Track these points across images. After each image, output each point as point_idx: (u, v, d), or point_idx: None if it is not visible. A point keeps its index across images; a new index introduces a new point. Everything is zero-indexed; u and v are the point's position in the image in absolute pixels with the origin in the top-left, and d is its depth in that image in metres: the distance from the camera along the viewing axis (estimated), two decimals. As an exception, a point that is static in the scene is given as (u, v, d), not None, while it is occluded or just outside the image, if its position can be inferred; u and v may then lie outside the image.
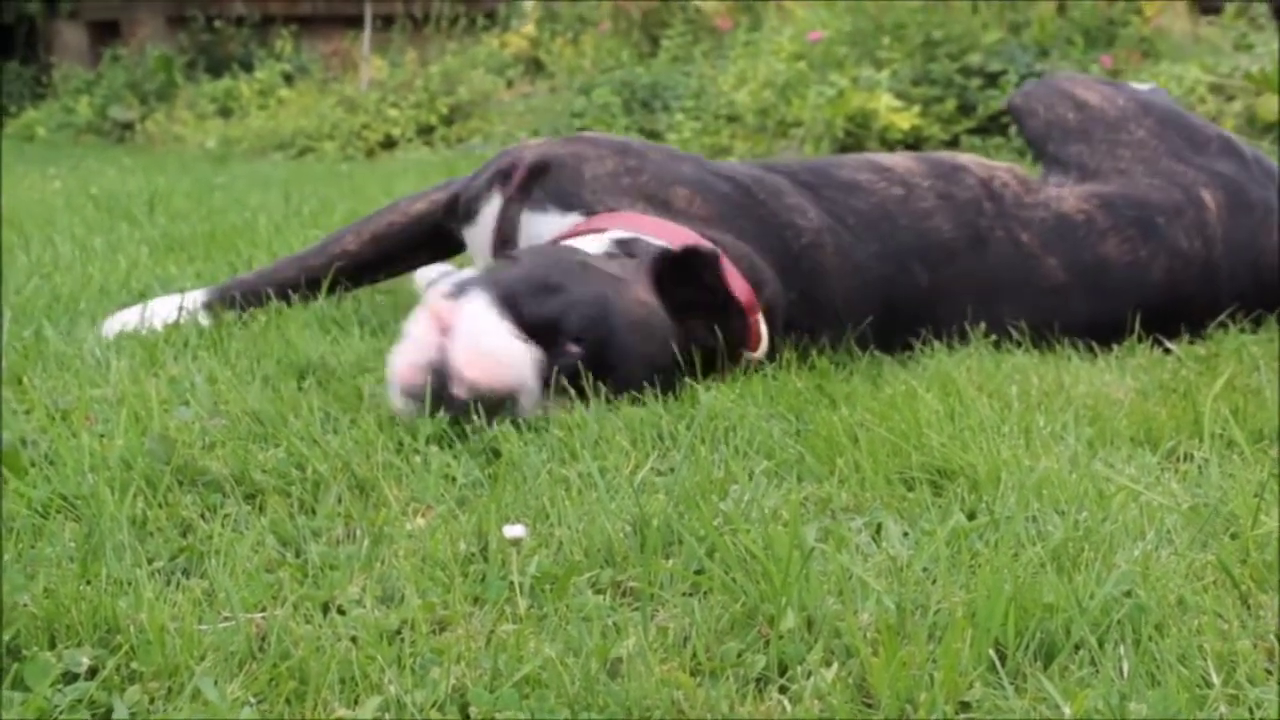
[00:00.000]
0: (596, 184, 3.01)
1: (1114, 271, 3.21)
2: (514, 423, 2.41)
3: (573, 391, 2.49)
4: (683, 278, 2.67)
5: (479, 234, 3.18)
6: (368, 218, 3.45)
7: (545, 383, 2.47)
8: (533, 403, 2.45)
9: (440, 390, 2.39)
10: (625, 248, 2.78)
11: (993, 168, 3.35)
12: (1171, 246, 3.27)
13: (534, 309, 2.49)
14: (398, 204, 3.42)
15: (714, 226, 2.91)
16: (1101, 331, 3.16)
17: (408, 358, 2.45)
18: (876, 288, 3.05)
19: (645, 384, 2.54)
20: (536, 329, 2.49)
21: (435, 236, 3.34)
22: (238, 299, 3.33)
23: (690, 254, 2.68)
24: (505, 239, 3.06)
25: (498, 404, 2.40)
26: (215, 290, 3.37)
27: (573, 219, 2.97)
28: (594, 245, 2.79)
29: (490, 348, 2.43)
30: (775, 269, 2.89)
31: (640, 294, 2.62)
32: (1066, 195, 3.30)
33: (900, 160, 3.32)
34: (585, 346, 2.50)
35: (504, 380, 2.41)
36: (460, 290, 2.54)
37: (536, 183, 3.07)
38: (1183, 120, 3.64)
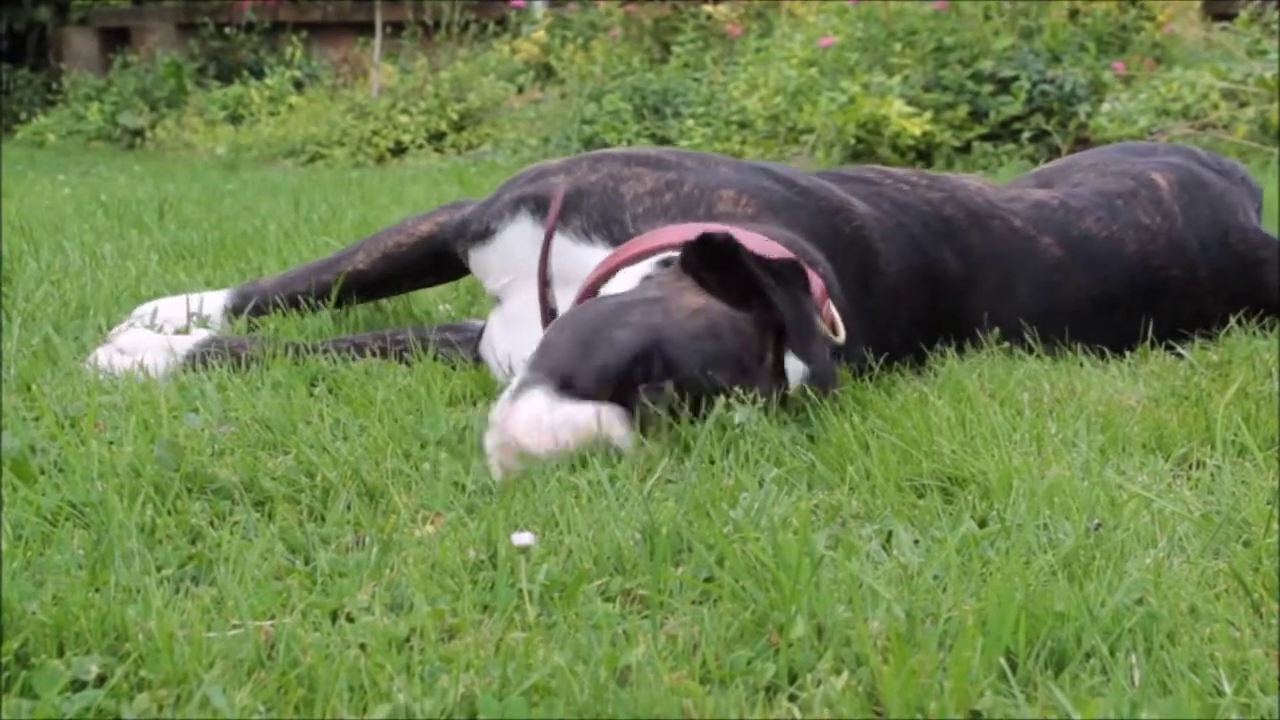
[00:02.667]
0: (639, 205, 2.93)
1: (1097, 244, 3.32)
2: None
3: (671, 422, 2.37)
4: (719, 267, 2.52)
5: (491, 256, 3.12)
6: (377, 235, 3.45)
7: (643, 427, 2.36)
8: (632, 449, 2.33)
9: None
10: (669, 264, 2.68)
11: (961, 176, 3.51)
12: (1135, 222, 3.40)
13: (587, 375, 2.36)
14: (405, 223, 3.41)
15: (762, 221, 2.87)
16: (1101, 312, 3.25)
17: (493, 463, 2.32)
18: (921, 273, 3.07)
19: (742, 381, 2.43)
20: (604, 388, 2.36)
21: (440, 259, 3.31)
22: (255, 304, 3.40)
23: (705, 242, 2.54)
24: (547, 274, 2.98)
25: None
26: (233, 294, 3.44)
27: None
28: (632, 277, 2.70)
29: (551, 424, 2.30)
30: (829, 255, 2.87)
31: (688, 300, 2.50)
32: (1033, 193, 3.46)
33: (892, 169, 3.42)
34: (654, 380, 2.37)
35: (572, 444, 2.29)
36: (519, 391, 2.38)
37: (575, 211, 2.98)
38: (1129, 143, 3.93)
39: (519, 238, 3.03)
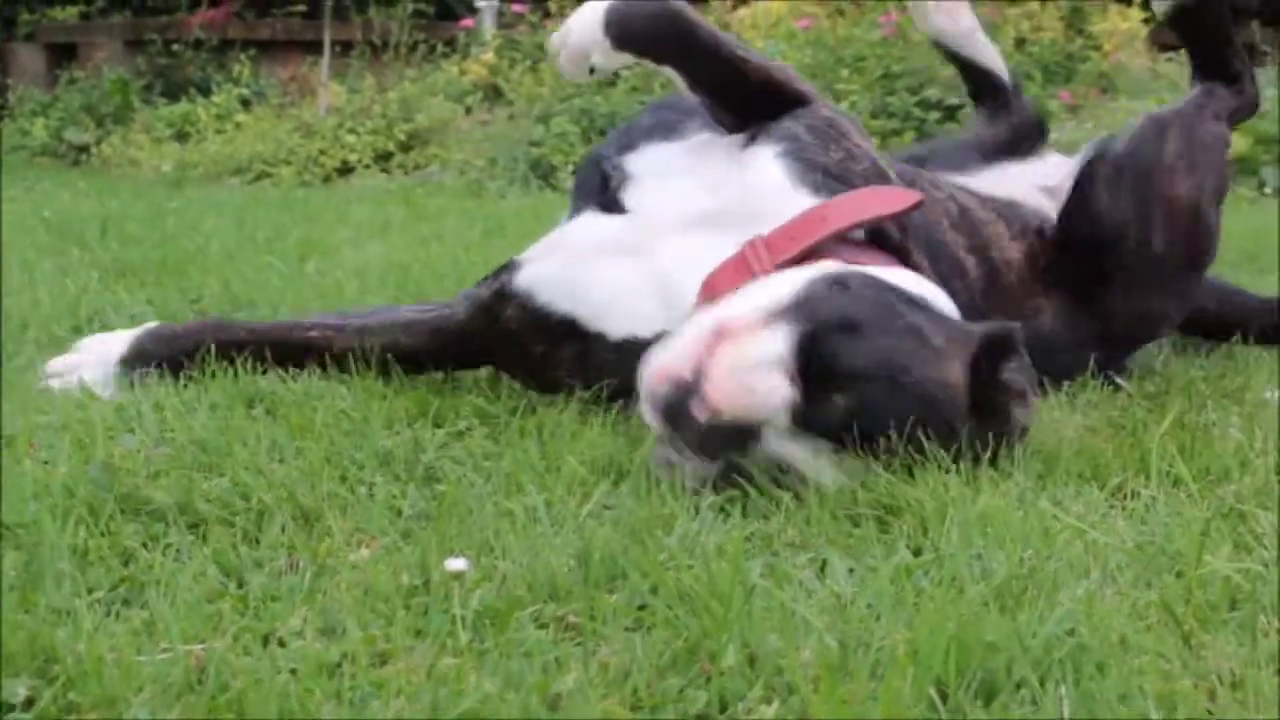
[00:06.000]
0: None
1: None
2: (455, 458, 2.42)
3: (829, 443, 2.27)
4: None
5: None
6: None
7: (806, 427, 2.25)
8: (782, 446, 2.24)
9: (678, 407, 2.21)
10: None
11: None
12: None
13: (824, 351, 2.25)
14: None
15: None
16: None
17: (662, 362, 2.25)
18: None
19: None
20: (814, 368, 2.24)
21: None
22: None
23: (1004, 337, 2.46)
24: None
25: (734, 438, 2.21)
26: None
27: None
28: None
29: (747, 376, 2.20)
30: None
31: (950, 374, 2.38)
32: None
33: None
34: (850, 404, 2.26)
35: (749, 412, 2.20)
36: (771, 319, 2.28)
37: None
38: None
39: None
